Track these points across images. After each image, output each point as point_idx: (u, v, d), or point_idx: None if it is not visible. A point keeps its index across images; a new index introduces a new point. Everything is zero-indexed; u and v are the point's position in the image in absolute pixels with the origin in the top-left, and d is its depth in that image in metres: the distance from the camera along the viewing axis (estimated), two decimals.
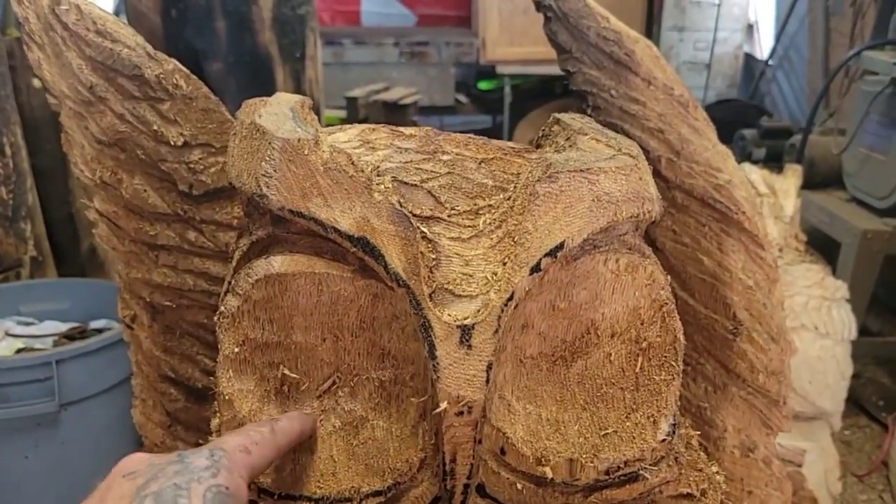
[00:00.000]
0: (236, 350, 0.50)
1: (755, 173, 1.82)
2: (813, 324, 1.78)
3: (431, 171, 0.50)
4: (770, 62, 3.85)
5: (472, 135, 0.59)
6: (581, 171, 0.48)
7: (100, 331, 2.00)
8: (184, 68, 0.73)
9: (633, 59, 0.83)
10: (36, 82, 2.37)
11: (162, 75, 0.71)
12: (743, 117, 3.51)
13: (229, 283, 0.51)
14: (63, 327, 2.05)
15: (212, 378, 0.86)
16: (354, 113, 3.24)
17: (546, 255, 0.47)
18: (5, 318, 2.04)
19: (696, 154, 0.88)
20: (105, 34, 0.69)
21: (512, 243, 0.48)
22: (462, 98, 4.35)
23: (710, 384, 0.92)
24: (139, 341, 0.84)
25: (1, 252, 2.28)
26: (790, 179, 1.80)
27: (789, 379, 0.92)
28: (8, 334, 1.96)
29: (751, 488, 0.94)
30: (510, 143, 0.59)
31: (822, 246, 2.51)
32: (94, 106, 0.72)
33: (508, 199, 0.49)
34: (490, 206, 0.49)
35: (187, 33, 1.93)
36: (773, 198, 1.78)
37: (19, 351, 1.90)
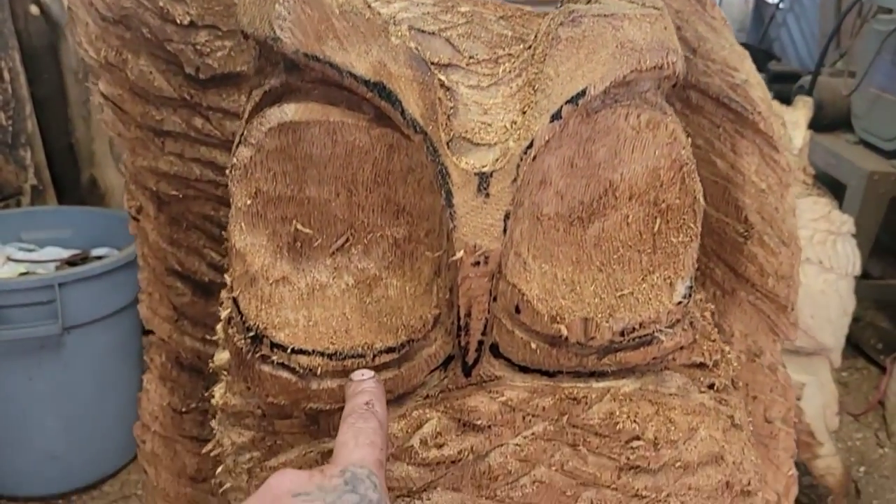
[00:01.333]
0: (248, 203, 0.49)
1: None
2: (818, 258, 1.78)
3: (449, 22, 0.49)
4: (780, 5, 3.79)
5: None
6: (605, 16, 0.46)
7: (101, 258, 2.00)
8: None
9: None
10: (34, 9, 2.33)
11: None
12: (752, 61, 3.45)
13: (241, 134, 0.50)
14: (64, 254, 2.05)
15: (218, 273, 0.85)
16: None
17: (567, 102, 0.46)
18: (6, 244, 2.03)
19: (713, 52, 0.86)
20: None
21: (532, 92, 0.46)
22: None
23: (718, 289, 0.91)
24: (145, 233, 0.83)
25: (1, 179, 2.26)
26: (800, 111, 1.78)
27: (798, 284, 0.91)
28: (10, 259, 1.96)
29: (755, 394, 0.94)
30: (529, 7, 0.58)
31: (828, 188, 2.50)
32: None
33: (529, 48, 0.48)
34: (510, 55, 0.48)
35: None
36: (782, 130, 1.75)
37: (22, 275, 1.90)
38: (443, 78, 0.47)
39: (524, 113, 0.46)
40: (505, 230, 0.46)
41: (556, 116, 0.46)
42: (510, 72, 0.47)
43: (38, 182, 2.32)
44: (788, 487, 0.98)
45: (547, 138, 0.47)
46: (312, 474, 0.42)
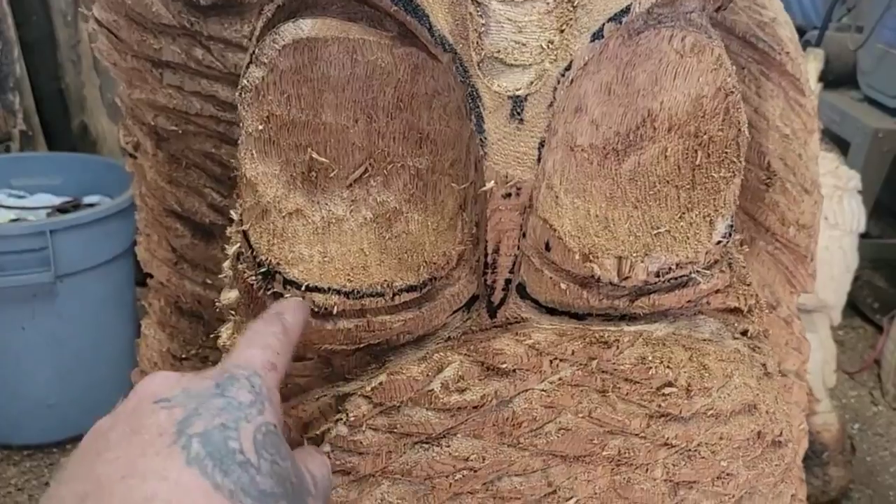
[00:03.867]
0: (260, 128, 0.46)
1: None
2: (823, 213, 1.75)
3: None
4: None
5: None
6: None
7: (93, 206, 1.96)
8: None
9: None
10: None
11: None
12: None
13: (252, 53, 0.46)
14: (56, 201, 2.00)
15: (219, 214, 0.82)
16: None
17: (610, 19, 0.42)
18: None
19: None
20: None
21: (571, 8, 0.42)
22: None
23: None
24: (143, 171, 0.79)
25: None
26: (811, 63, 1.74)
27: (818, 234, 0.88)
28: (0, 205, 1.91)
29: (771, 346, 0.92)
30: None
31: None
32: None
33: None
34: None
35: None
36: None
37: (12, 222, 1.86)
38: None
39: (562, 31, 0.42)
40: (539, 159, 0.43)
41: (598, 35, 0.42)
42: None
43: (28, 128, 2.26)
44: (799, 441, 0.96)
45: (586, 60, 0.43)
46: (183, 377, 0.38)
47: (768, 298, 0.92)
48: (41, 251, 1.72)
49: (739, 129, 0.48)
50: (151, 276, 0.85)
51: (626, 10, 0.42)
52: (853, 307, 2.56)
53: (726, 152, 0.48)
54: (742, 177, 0.49)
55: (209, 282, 0.84)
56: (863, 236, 2.20)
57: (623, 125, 0.47)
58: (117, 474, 0.32)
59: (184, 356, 0.87)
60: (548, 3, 0.43)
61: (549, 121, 0.43)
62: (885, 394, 2.25)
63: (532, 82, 0.42)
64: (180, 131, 0.76)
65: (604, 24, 0.42)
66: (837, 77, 2.62)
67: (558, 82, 0.42)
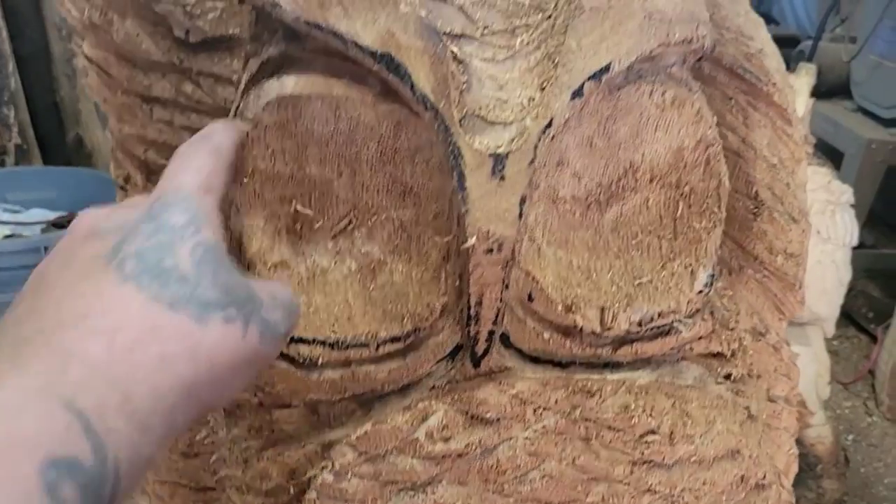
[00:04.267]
0: (244, 181, 0.46)
1: None
2: (816, 228, 1.76)
3: None
4: None
5: None
6: None
7: None
8: None
9: None
10: None
11: None
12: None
13: (237, 107, 0.46)
14: (51, 216, 2.00)
15: None
16: None
17: (590, 77, 0.43)
18: None
19: (728, 20, 0.82)
20: None
21: (552, 66, 0.43)
22: None
23: (725, 266, 0.89)
24: None
25: None
26: (803, 78, 1.74)
27: (806, 262, 0.89)
28: None
29: (760, 373, 0.93)
30: None
31: (825, 157, 2.47)
32: None
33: (549, 17, 0.44)
34: (527, 25, 0.44)
35: None
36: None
37: (7, 237, 1.86)
38: (455, 50, 0.43)
39: (543, 89, 0.43)
40: (520, 215, 0.43)
41: (578, 93, 0.43)
42: (528, 44, 0.44)
43: (23, 141, 2.26)
44: (789, 466, 0.97)
45: (566, 117, 0.43)
46: (114, 211, 0.37)
47: (757, 325, 0.92)
48: (36, 267, 1.72)
49: (720, 181, 0.48)
50: None
51: (607, 69, 0.43)
52: (848, 317, 2.57)
53: (707, 203, 0.49)
54: (723, 226, 0.49)
55: None
56: (857, 246, 2.21)
57: (605, 177, 0.48)
58: (53, 301, 0.32)
59: None
60: (529, 61, 0.44)
61: (530, 177, 0.43)
62: (880, 404, 2.26)
63: (513, 139, 0.43)
64: None
65: (584, 83, 0.43)
66: (831, 88, 2.63)
67: (539, 139, 0.43)
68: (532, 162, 0.43)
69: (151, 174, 0.79)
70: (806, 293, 1.96)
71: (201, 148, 0.40)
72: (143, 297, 0.32)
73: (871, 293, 2.69)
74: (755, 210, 0.87)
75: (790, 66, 2.76)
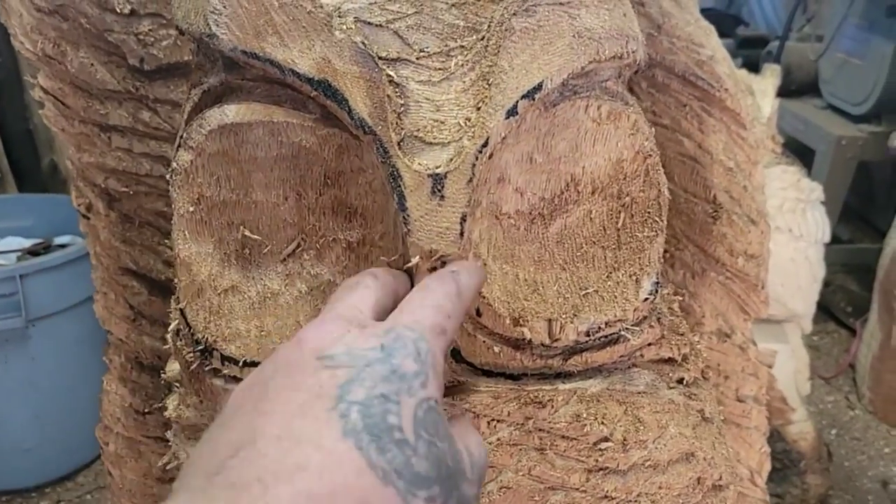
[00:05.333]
0: (191, 209, 0.47)
1: None
2: (787, 226, 1.78)
3: (398, 12, 0.46)
4: None
5: None
6: (560, 4, 0.44)
7: (64, 246, 1.95)
8: None
9: None
10: None
11: None
12: (719, 27, 3.43)
13: (181, 136, 0.47)
14: (26, 243, 1.99)
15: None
16: None
17: (523, 96, 0.43)
18: None
19: (678, 28, 0.84)
20: None
21: (486, 86, 0.44)
22: None
23: (688, 270, 0.90)
24: (96, 232, 0.80)
25: None
26: (768, 80, 1.77)
27: (768, 262, 0.90)
28: None
29: (727, 374, 0.94)
30: None
31: (796, 154, 2.50)
32: None
33: (482, 39, 0.45)
34: (462, 47, 0.45)
35: None
36: (750, 98, 1.74)
37: None
38: (392, 73, 0.44)
39: (478, 109, 0.44)
40: (462, 233, 0.44)
41: (512, 112, 0.44)
42: (463, 65, 0.45)
43: None
44: (761, 464, 0.98)
45: (503, 135, 0.44)
46: (349, 332, 0.35)
47: (722, 327, 0.94)
48: (11, 296, 1.71)
49: (660, 190, 0.49)
50: (111, 334, 0.85)
51: (539, 87, 0.44)
52: (827, 312, 2.59)
53: (648, 212, 0.50)
54: (665, 236, 0.50)
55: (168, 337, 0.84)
56: (833, 241, 2.23)
57: (547, 191, 0.49)
58: (273, 432, 0.31)
59: (146, 410, 0.88)
60: (464, 82, 0.44)
61: (469, 196, 0.44)
62: (861, 397, 2.28)
63: (451, 159, 0.44)
64: (131, 192, 0.77)
65: (517, 102, 0.44)
66: (800, 86, 2.66)
67: (477, 158, 0.44)
68: (471, 181, 0.44)
69: (113, 202, 0.79)
70: (781, 291, 1.99)
71: (446, 287, 0.39)
72: (360, 461, 0.31)
73: (849, 287, 2.71)
74: (714, 214, 0.89)
75: (759, 66, 2.80)
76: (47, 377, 1.84)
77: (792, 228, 1.79)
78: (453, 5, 0.48)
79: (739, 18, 3.57)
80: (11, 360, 1.79)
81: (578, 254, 0.50)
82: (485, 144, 0.44)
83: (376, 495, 0.31)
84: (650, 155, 0.49)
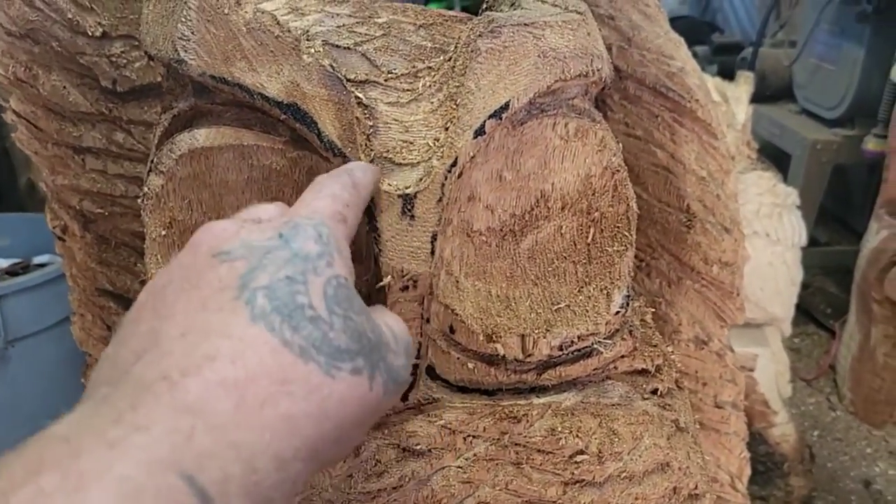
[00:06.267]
0: (163, 233, 0.47)
1: (707, 81, 1.80)
2: (765, 231, 1.80)
3: (366, 35, 0.47)
4: None
5: (409, 3, 0.55)
6: (525, 24, 0.44)
7: (43, 266, 1.93)
8: None
9: None
10: None
11: None
12: (695, 34, 3.47)
13: (152, 160, 0.47)
14: (4, 263, 1.98)
15: None
16: None
17: (490, 116, 0.44)
18: None
19: (648, 41, 0.85)
20: None
21: (454, 106, 0.44)
22: None
23: (664, 279, 0.91)
24: (72, 253, 0.80)
25: None
26: (742, 87, 1.79)
27: (742, 269, 0.91)
28: None
29: (705, 380, 0.95)
30: (451, 12, 0.56)
31: (772, 158, 2.53)
32: None
33: (449, 59, 0.46)
34: (430, 68, 0.46)
35: None
36: (724, 106, 1.77)
37: None
38: (360, 95, 0.45)
39: (446, 129, 0.44)
40: (433, 251, 0.45)
41: (480, 132, 0.44)
42: (430, 86, 0.45)
43: None
44: (741, 469, 0.99)
45: (472, 154, 0.45)
46: (242, 227, 0.34)
47: (699, 334, 0.95)
48: None
49: (628, 205, 0.50)
50: (89, 355, 0.85)
51: (506, 106, 0.44)
52: (806, 314, 2.62)
53: (618, 227, 0.50)
54: (634, 250, 0.51)
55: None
56: (811, 244, 2.26)
57: (518, 207, 0.49)
58: (176, 331, 0.30)
59: None
60: (432, 103, 0.45)
61: (439, 215, 0.44)
62: (842, 398, 2.30)
63: (421, 179, 0.44)
64: (106, 213, 0.76)
65: (485, 121, 0.44)
66: (775, 91, 2.69)
67: (446, 178, 0.44)
68: (441, 200, 0.44)
69: (88, 223, 0.79)
70: (760, 295, 2.01)
71: (340, 179, 0.39)
72: (274, 342, 0.30)
73: (828, 289, 2.74)
74: (688, 223, 0.90)
75: (734, 72, 2.83)
76: (27, 398, 1.82)
77: (769, 233, 1.81)
78: (421, 26, 0.49)
79: (714, 25, 3.61)
80: None
81: (550, 269, 0.50)
82: (454, 164, 0.44)
83: (297, 373, 0.30)
84: (618, 170, 0.49)
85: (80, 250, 0.79)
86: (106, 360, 0.32)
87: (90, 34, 0.68)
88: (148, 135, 0.75)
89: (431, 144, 0.44)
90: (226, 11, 0.44)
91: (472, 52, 0.44)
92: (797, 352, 2.53)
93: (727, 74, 3.09)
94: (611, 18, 0.83)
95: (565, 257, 0.51)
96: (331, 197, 0.37)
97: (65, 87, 0.70)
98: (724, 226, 0.90)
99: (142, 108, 0.73)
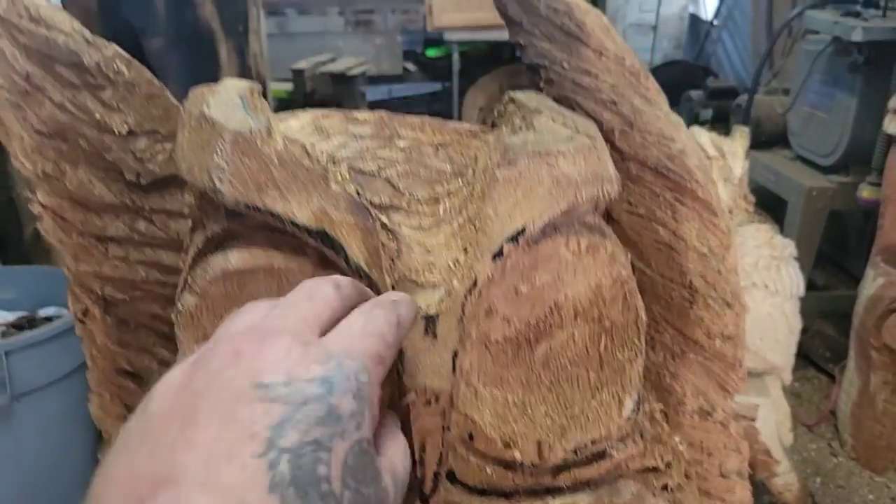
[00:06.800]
0: (195, 348, 0.49)
1: (704, 136, 1.84)
2: (763, 282, 1.83)
3: (388, 159, 0.50)
4: (714, 23, 3.89)
5: (426, 117, 0.58)
6: (540, 154, 0.47)
7: (49, 319, 1.95)
8: (125, 53, 0.70)
9: (584, 30, 0.82)
10: None
11: (102, 62, 0.69)
12: (689, 78, 3.54)
13: (185, 279, 0.49)
14: (10, 317, 1.99)
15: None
16: (301, 86, 3.18)
17: (508, 240, 0.47)
18: None
19: (649, 124, 0.88)
20: (39, 20, 0.66)
21: (473, 230, 0.47)
22: (410, 66, 4.31)
23: (668, 352, 0.93)
24: (92, 336, 0.82)
25: None
26: (738, 141, 1.83)
27: (744, 342, 0.94)
28: None
29: (710, 451, 0.96)
30: (466, 125, 0.59)
31: (768, 204, 2.57)
32: (31, 96, 0.69)
33: (468, 184, 0.49)
34: (450, 192, 0.49)
35: (124, 9, 1.86)
36: (721, 160, 1.80)
37: None
38: (385, 220, 0.47)
39: (466, 252, 0.47)
40: (454, 369, 0.47)
41: (498, 255, 0.47)
42: (450, 210, 0.48)
43: None
44: None
45: (490, 275, 0.47)
46: (291, 350, 0.34)
47: (703, 405, 0.97)
48: None
49: (637, 314, 0.53)
50: (106, 432, 0.86)
51: (522, 231, 0.47)
52: (806, 358, 2.63)
53: (628, 335, 0.53)
54: (644, 356, 0.53)
55: None
56: (809, 287, 2.29)
57: (532, 316, 0.52)
58: (197, 477, 0.30)
59: None
60: (452, 226, 0.48)
61: (460, 333, 0.47)
62: (843, 444, 2.31)
63: (442, 300, 0.47)
64: (128, 298, 0.79)
65: (503, 245, 0.47)
66: (769, 137, 2.74)
67: (466, 299, 0.47)
68: (461, 319, 0.47)
69: (109, 307, 0.82)
70: (760, 345, 2.03)
71: (388, 316, 0.39)
72: None
73: (827, 333, 2.76)
74: (690, 298, 0.92)
75: (729, 117, 2.87)
76: (32, 453, 1.82)
77: (768, 284, 1.83)
78: (440, 145, 0.52)
79: (709, 70, 3.68)
80: None
81: (563, 375, 0.53)
82: (473, 285, 0.47)
83: None
84: (627, 281, 0.52)
85: (101, 332, 0.81)
86: (125, 454, 0.32)
87: (117, 132, 0.71)
88: (169, 222, 0.77)
89: (452, 266, 0.47)
90: (258, 143, 0.47)
91: (490, 180, 0.47)
92: (797, 396, 2.54)
93: (722, 118, 3.14)
94: (613, 104, 0.86)
95: (578, 364, 0.53)
96: (379, 336, 0.38)
97: (91, 182, 0.73)
98: (726, 300, 0.92)
99: (163, 198, 0.76)
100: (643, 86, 0.91)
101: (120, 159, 0.72)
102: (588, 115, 0.80)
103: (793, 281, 1.86)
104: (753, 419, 1.92)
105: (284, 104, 3.51)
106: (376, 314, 0.39)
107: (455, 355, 0.47)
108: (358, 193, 0.47)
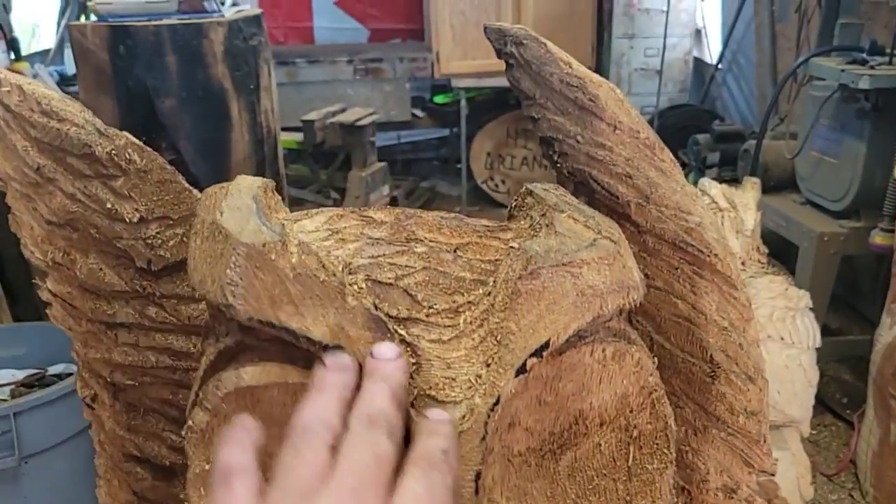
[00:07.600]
0: (207, 467, 0.47)
1: (715, 188, 1.83)
2: (779, 334, 1.80)
3: (406, 266, 0.48)
4: (719, 66, 3.91)
5: (443, 214, 0.57)
6: (563, 265, 0.46)
7: (59, 376, 1.94)
8: (136, 141, 0.70)
9: (597, 103, 0.81)
10: None
11: (114, 151, 0.68)
12: (695, 121, 3.55)
13: (196, 394, 0.48)
14: (20, 375, 1.98)
15: (179, 454, 0.82)
16: (312, 136, 3.20)
17: (531, 354, 0.45)
18: None
19: (666, 197, 0.87)
20: (51, 114, 0.66)
21: (495, 343, 0.46)
22: (418, 112, 4.34)
23: (690, 427, 0.91)
24: (101, 421, 0.80)
25: None
26: (749, 193, 1.82)
27: (768, 417, 0.91)
28: None
29: None
30: (484, 222, 0.57)
31: (779, 248, 2.55)
32: (42, 187, 0.68)
33: (489, 294, 0.47)
34: (470, 302, 0.47)
35: (137, 70, 1.88)
36: (733, 212, 1.79)
37: None
38: (403, 333, 0.46)
39: (488, 366, 0.45)
40: (477, 490, 0.45)
41: (521, 370, 0.45)
42: (471, 322, 0.46)
43: None
44: None
45: (513, 391, 0.46)
46: None
47: (727, 482, 0.94)
48: (4, 435, 1.69)
49: (666, 423, 0.51)
50: None
51: (546, 345, 0.45)
52: (823, 404, 2.59)
53: (657, 444, 0.51)
54: (674, 467, 0.51)
55: None
56: (824, 332, 2.26)
57: (556, 426, 0.50)
58: None
59: None
60: (473, 339, 0.46)
61: (482, 453, 0.45)
62: (865, 494, 2.26)
63: (464, 417, 0.45)
64: (137, 383, 0.77)
65: (526, 360, 0.45)
66: (778, 182, 2.73)
67: (488, 417, 0.45)
68: (484, 438, 0.45)
69: (118, 392, 0.80)
70: (778, 398, 1.99)
71: (448, 479, 0.39)
72: None
73: (844, 378, 2.72)
74: (712, 373, 0.90)
75: (737, 162, 2.86)
76: None
77: (783, 336, 1.81)
78: (457, 248, 0.50)
79: (714, 113, 3.69)
80: (2, 499, 1.75)
81: (590, 487, 0.51)
82: (496, 402, 0.45)
83: None
84: (655, 389, 0.50)
85: (109, 418, 0.80)
86: None
87: (128, 220, 0.70)
88: (179, 307, 0.76)
89: (473, 381, 0.45)
90: (273, 257, 0.45)
91: (512, 293, 0.45)
92: (816, 444, 2.49)
93: (729, 162, 3.14)
94: (629, 177, 0.85)
95: (605, 474, 0.51)
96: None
97: (101, 269, 0.72)
98: (749, 375, 0.90)
99: (174, 283, 0.75)
100: (658, 158, 0.90)
101: (131, 246, 0.71)
102: (603, 188, 0.79)
103: (809, 332, 1.83)
104: (773, 473, 1.87)
105: (295, 154, 3.53)
106: (436, 480, 0.39)
107: (478, 477, 0.45)
108: (375, 306, 0.46)
